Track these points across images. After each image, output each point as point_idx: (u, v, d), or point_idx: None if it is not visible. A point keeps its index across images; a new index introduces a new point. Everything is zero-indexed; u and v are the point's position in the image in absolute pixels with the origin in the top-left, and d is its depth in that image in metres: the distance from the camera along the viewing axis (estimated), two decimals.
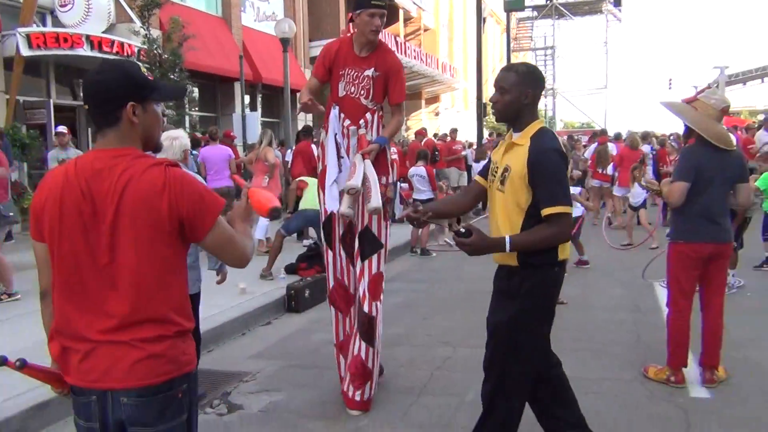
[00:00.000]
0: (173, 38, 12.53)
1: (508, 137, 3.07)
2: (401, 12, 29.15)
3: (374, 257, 4.21)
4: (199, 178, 4.00)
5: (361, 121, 4.17)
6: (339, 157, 4.22)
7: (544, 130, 2.96)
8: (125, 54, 12.76)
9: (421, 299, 7.22)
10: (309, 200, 7.79)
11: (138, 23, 12.63)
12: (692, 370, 4.57)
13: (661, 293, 6.58)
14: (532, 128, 2.94)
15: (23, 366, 2.00)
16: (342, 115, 4.20)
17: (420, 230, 10.16)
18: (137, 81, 2.00)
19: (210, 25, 16.80)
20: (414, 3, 29.63)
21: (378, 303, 4.20)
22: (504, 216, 2.95)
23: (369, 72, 4.13)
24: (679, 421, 3.95)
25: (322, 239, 4.50)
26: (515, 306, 2.95)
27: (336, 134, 4.21)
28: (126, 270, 1.89)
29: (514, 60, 33.19)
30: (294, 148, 11.27)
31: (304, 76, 20.56)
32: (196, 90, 15.15)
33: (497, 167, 3.03)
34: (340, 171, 4.21)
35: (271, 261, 7.73)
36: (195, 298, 4.46)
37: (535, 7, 35.52)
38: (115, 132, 1.97)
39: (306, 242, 9.36)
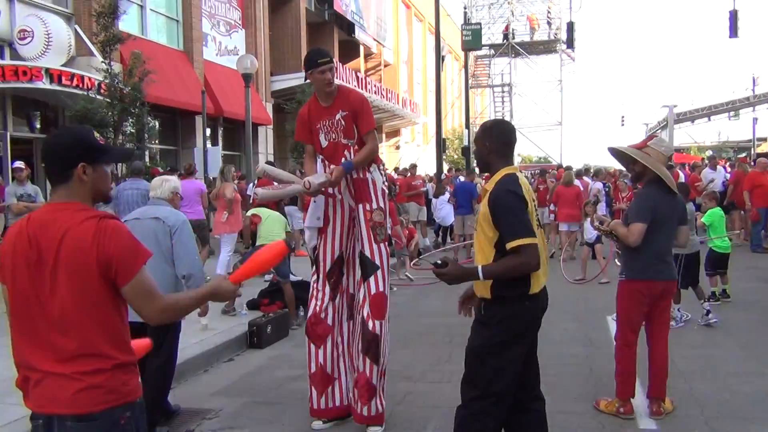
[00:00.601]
0: (134, 73, 12.54)
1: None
2: (362, 48, 29.71)
3: (372, 279, 4.47)
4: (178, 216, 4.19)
5: (343, 159, 4.48)
6: (313, 200, 4.59)
7: (507, 176, 3.23)
8: (85, 87, 12.71)
9: None
10: (264, 234, 7.57)
11: (99, 58, 12.61)
12: (641, 402, 4.78)
13: (613, 327, 6.80)
14: (498, 175, 3.26)
15: None
16: (326, 162, 4.58)
17: None
18: (89, 145, 2.25)
19: (172, 59, 16.88)
20: (374, 39, 30.22)
21: (382, 322, 4.43)
22: (480, 252, 3.25)
23: (338, 115, 4.47)
24: None
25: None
26: (487, 333, 3.20)
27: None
28: (64, 310, 2.12)
29: (472, 96, 33.96)
30: (256, 183, 11.38)
31: (266, 110, 20.73)
32: (156, 123, 15.13)
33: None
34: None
35: None
36: (176, 328, 4.49)
37: (491, 46, 36.39)
38: (65, 188, 2.22)
39: (267, 277, 9.40)
